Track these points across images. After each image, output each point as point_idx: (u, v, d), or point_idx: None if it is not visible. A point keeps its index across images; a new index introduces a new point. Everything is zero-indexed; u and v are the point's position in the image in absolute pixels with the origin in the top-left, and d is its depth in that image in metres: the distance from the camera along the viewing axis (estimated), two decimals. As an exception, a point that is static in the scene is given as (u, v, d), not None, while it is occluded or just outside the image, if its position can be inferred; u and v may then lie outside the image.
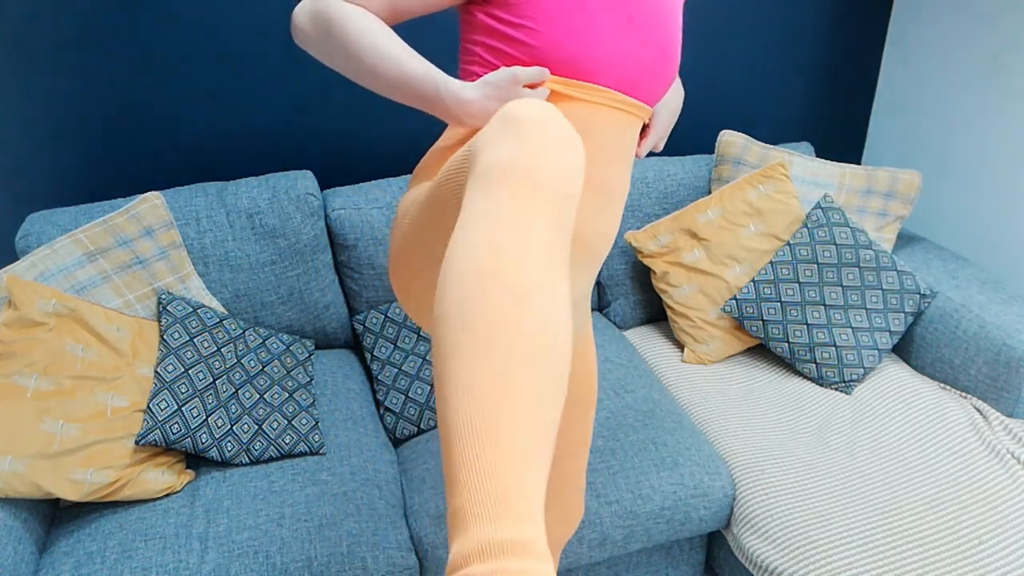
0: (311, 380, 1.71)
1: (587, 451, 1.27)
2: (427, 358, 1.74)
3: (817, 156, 2.38)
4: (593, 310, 2.10)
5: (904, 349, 1.89)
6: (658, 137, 1.14)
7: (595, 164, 1.01)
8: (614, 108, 1.00)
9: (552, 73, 0.97)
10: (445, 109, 0.93)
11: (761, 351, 1.94)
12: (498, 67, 0.98)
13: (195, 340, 1.58)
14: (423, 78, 0.92)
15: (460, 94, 0.92)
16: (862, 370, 1.78)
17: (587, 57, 0.95)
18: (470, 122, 0.94)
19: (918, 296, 1.81)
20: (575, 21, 0.94)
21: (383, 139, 1.99)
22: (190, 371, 1.53)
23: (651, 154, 2.17)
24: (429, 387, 1.70)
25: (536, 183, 0.67)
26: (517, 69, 0.92)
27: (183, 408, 1.47)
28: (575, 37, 0.94)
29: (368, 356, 1.79)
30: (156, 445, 1.44)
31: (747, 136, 2.04)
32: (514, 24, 0.95)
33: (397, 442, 1.70)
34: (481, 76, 0.98)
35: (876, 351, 1.79)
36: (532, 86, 0.95)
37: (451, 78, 0.94)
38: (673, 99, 1.15)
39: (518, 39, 0.95)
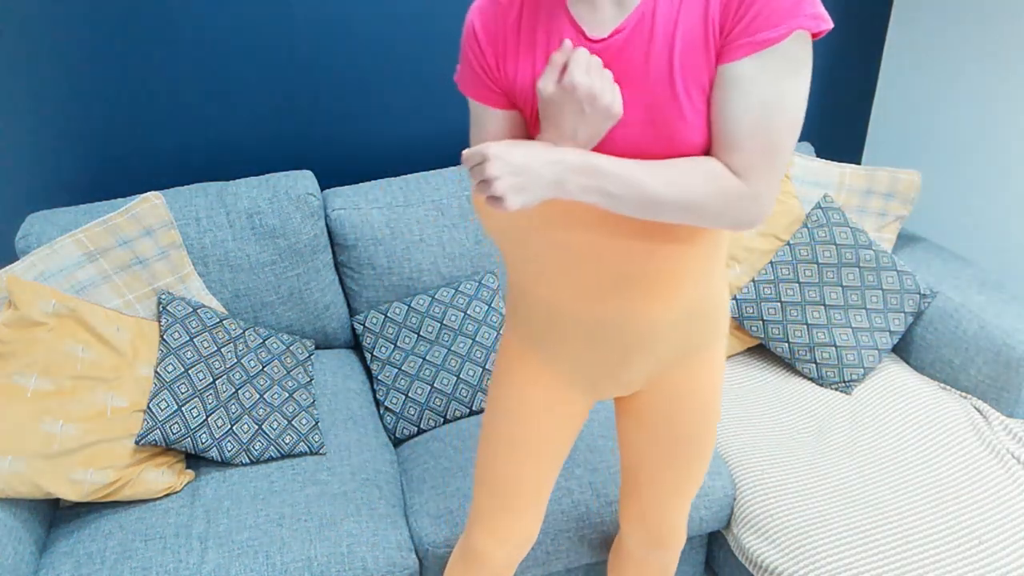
0: (311, 380, 1.71)
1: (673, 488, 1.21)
2: (427, 358, 1.74)
3: (817, 156, 2.38)
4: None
5: (904, 349, 1.89)
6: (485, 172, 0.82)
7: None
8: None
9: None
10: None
11: (761, 351, 1.94)
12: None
13: (195, 340, 1.58)
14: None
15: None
16: (862, 370, 1.78)
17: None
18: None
19: (918, 296, 1.81)
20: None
21: (383, 139, 1.99)
22: (190, 371, 1.53)
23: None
24: (429, 387, 1.70)
25: None
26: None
27: (183, 408, 1.47)
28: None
29: (368, 356, 1.79)
30: (156, 445, 1.44)
31: (747, 136, 2.03)
32: None
33: (397, 442, 1.70)
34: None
35: (876, 351, 1.79)
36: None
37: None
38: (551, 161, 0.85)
39: None
